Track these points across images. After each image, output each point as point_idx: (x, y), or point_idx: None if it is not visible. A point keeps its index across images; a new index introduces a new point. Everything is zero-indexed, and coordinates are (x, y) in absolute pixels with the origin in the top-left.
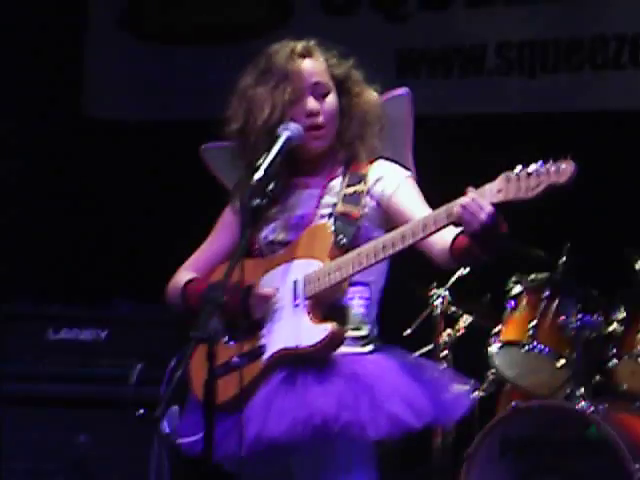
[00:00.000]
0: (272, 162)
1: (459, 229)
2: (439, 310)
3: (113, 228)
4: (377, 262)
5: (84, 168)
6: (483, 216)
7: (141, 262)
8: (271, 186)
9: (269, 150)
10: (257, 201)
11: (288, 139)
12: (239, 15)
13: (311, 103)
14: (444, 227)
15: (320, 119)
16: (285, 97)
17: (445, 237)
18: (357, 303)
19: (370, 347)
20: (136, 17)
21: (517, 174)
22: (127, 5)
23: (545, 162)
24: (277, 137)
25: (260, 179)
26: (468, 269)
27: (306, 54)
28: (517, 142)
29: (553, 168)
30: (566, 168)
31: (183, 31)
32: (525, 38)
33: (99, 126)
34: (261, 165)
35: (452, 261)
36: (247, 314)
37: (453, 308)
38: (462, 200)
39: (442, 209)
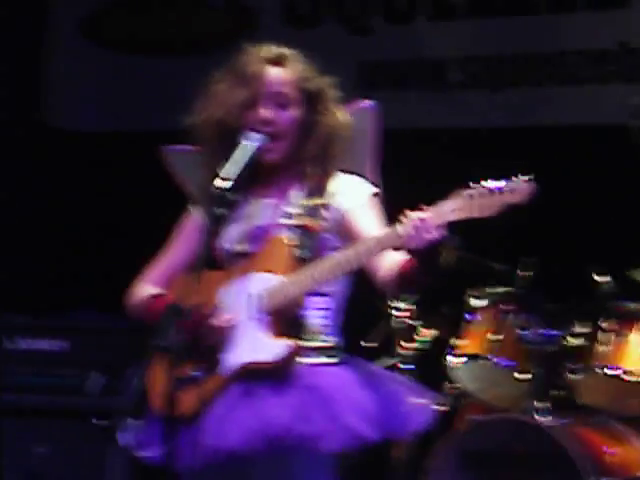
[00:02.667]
0: (242, 173)
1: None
2: (399, 322)
3: (75, 238)
4: (334, 278)
5: (45, 178)
6: (426, 238)
7: (102, 271)
8: (237, 196)
9: (229, 156)
10: (222, 210)
11: (258, 149)
12: (203, 26)
13: (265, 112)
14: (397, 245)
15: (273, 129)
16: (238, 100)
17: (391, 262)
18: (316, 314)
19: (330, 358)
20: (99, 25)
21: (473, 193)
22: (89, 13)
23: (502, 180)
24: (243, 145)
25: (228, 189)
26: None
27: (277, 62)
28: (479, 156)
29: (510, 187)
30: (523, 188)
31: (147, 41)
32: (487, 52)
33: (60, 136)
34: (224, 173)
35: (393, 284)
36: (199, 342)
37: (414, 321)
38: (411, 220)
39: (396, 227)
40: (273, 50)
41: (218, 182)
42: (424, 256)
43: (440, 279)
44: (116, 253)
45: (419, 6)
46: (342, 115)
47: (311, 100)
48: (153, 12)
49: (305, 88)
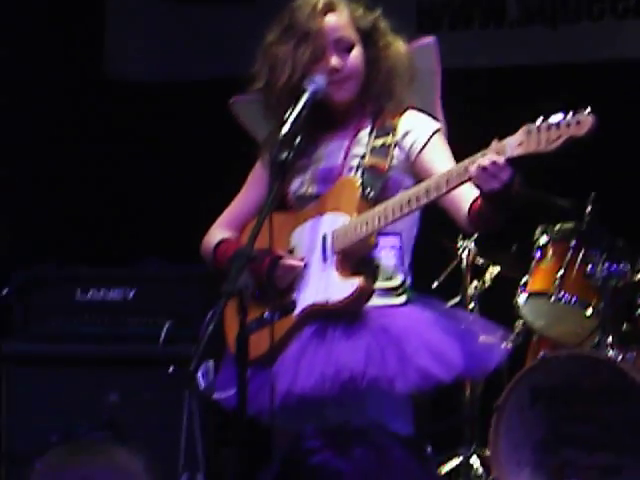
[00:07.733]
0: (298, 115)
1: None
2: (466, 262)
3: (141, 189)
4: (403, 216)
5: (109, 130)
6: (498, 182)
7: (170, 221)
8: (298, 139)
9: (295, 104)
10: (284, 155)
11: (314, 92)
12: None
13: (334, 60)
14: (466, 182)
15: (343, 74)
16: (306, 57)
17: (467, 201)
18: (388, 254)
19: (403, 298)
20: None
21: (537, 127)
22: None
23: (565, 114)
24: (303, 91)
25: (286, 133)
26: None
27: (329, 9)
28: (539, 93)
29: (573, 120)
30: (586, 120)
31: None
32: None
33: (121, 88)
34: (288, 119)
35: (470, 225)
36: (272, 284)
37: (480, 259)
38: (481, 161)
39: (464, 163)
40: None
41: (283, 128)
42: (496, 194)
43: (510, 217)
44: (186, 203)
45: None
46: (400, 45)
47: (368, 37)
48: None
49: (360, 26)
